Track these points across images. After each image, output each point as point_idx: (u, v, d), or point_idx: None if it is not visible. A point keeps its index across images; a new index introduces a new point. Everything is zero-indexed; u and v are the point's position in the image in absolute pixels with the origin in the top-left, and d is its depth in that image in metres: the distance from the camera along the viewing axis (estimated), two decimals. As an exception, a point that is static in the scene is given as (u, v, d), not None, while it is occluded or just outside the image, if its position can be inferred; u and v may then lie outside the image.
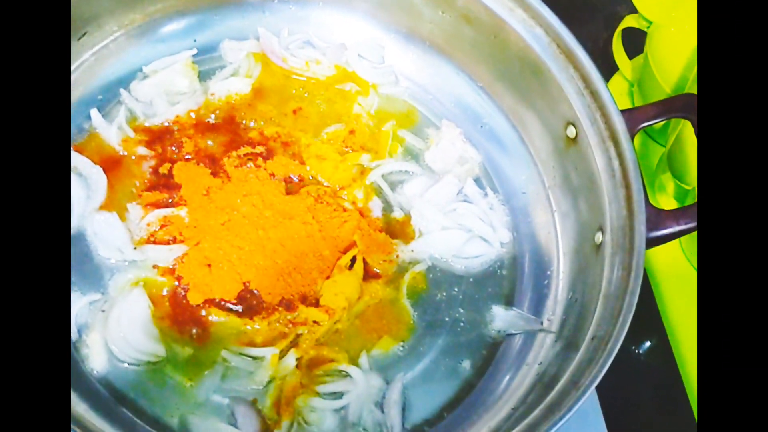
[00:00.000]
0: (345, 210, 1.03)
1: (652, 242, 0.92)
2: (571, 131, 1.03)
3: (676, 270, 1.22)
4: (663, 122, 1.02)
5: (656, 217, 0.93)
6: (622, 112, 0.98)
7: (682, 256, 1.24)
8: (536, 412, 0.83)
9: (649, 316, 1.18)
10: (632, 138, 0.97)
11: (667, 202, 1.28)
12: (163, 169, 1.02)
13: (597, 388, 0.82)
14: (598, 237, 0.97)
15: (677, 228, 0.93)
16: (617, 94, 1.38)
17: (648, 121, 1.00)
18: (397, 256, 1.03)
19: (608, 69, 1.40)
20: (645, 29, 1.30)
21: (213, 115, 1.08)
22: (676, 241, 1.21)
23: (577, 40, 1.01)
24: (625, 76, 1.40)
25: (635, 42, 1.36)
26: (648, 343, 1.21)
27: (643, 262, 0.90)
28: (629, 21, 1.32)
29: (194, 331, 0.93)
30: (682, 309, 1.20)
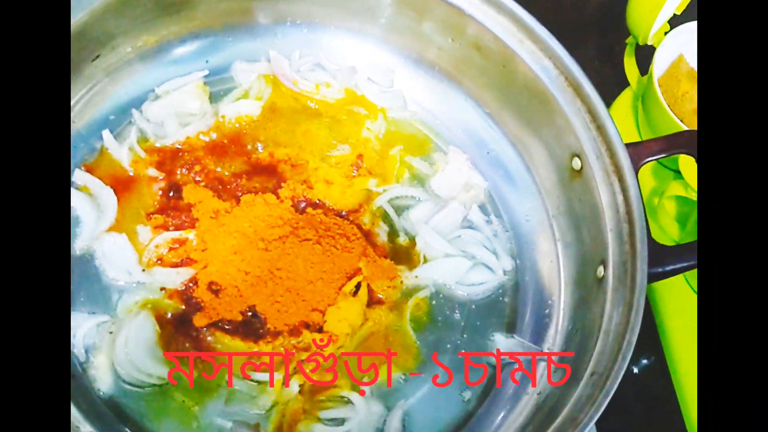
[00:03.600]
0: (351, 235, 1.04)
1: (653, 278, 0.93)
2: (577, 163, 1.04)
3: (675, 289, 1.23)
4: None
5: (658, 253, 0.94)
6: (627, 146, 0.99)
7: (680, 277, 1.24)
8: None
9: (646, 334, 1.18)
10: (636, 172, 0.98)
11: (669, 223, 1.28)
12: (173, 191, 1.03)
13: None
14: (600, 270, 0.98)
15: (679, 265, 0.95)
16: (624, 109, 1.39)
17: (652, 156, 1.00)
18: (401, 282, 1.04)
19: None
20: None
21: (223, 137, 1.09)
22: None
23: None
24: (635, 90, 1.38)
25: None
26: (645, 362, 1.22)
27: (644, 300, 0.91)
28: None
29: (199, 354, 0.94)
30: (680, 328, 1.20)
